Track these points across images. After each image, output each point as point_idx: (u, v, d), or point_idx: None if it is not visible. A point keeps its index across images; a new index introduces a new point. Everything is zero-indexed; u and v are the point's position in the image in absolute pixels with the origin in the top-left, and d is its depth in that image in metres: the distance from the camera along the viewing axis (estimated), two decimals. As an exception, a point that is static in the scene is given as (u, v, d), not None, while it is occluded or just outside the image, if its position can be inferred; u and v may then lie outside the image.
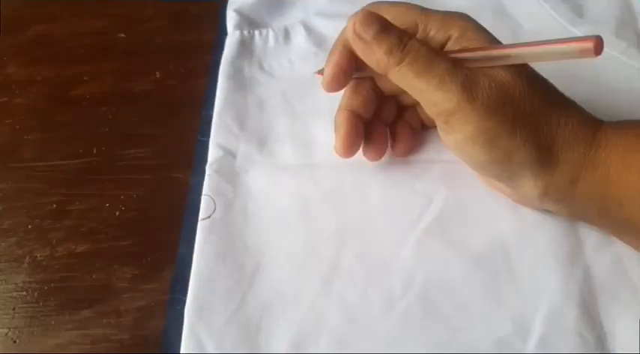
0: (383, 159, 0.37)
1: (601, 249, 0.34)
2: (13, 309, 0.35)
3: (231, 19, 0.44)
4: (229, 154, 0.38)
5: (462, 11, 0.43)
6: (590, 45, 0.25)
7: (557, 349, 0.31)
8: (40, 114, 0.43)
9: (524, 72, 0.30)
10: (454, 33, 0.31)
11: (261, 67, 0.43)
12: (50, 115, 0.43)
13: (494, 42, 0.31)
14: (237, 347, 0.32)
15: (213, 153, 0.39)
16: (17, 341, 0.34)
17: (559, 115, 0.30)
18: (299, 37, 0.44)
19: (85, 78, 0.44)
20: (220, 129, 0.39)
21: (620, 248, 0.34)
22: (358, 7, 0.31)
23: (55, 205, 0.39)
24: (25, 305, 0.35)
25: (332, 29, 0.42)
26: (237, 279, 0.34)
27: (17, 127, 0.42)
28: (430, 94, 0.30)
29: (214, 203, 0.37)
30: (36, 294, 0.36)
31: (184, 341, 0.32)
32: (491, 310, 0.33)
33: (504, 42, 0.42)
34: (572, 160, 0.29)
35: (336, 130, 0.35)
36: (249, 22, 0.44)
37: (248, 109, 0.40)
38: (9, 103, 0.43)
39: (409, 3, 0.33)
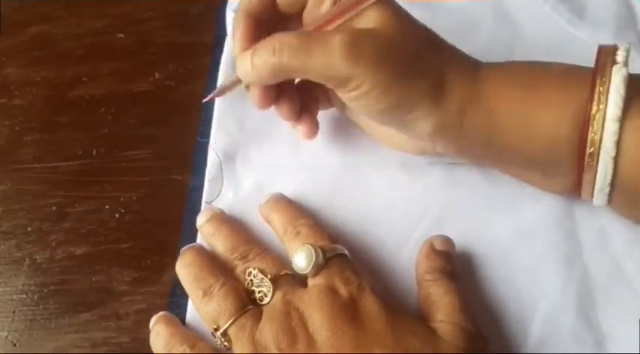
0: (381, 160, 0.37)
1: (600, 251, 0.34)
2: (13, 312, 0.35)
3: (230, 19, 0.44)
4: (229, 157, 0.38)
5: (463, 13, 0.43)
6: None
7: (555, 350, 0.32)
8: (39, 115, 0.43)
9: (397, 15, 0.31)
10: None
11: (261, 68, 0.43)
12: (49, 116, 0.42)
13: None
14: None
15: (212, 157, 0.39)
16: (17, 344, 0.34)
17: (441, 53, 0.31)
18: (298, 38, 0.44)
19: (84, 79, 0.44)
20: (220, 131, 0.39)
21: (620, 250, 0.34)
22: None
23: (54, 207, 0.39)
24: (24, 308, 0.35)
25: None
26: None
27: (16, 128, 0.42)
28: (321, 74, 0.31)
29: (214, 210, 0.37)
30: (36, 297, 0.36)
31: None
32: (490, 312, 0.33)
33: (504, 43, 0.42)
34: (459, 94, 0.31)
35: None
36: (249, 22, 0.44)
37: (247, 111, 0.40)
38: (8, 104, 0.43)
39: None
